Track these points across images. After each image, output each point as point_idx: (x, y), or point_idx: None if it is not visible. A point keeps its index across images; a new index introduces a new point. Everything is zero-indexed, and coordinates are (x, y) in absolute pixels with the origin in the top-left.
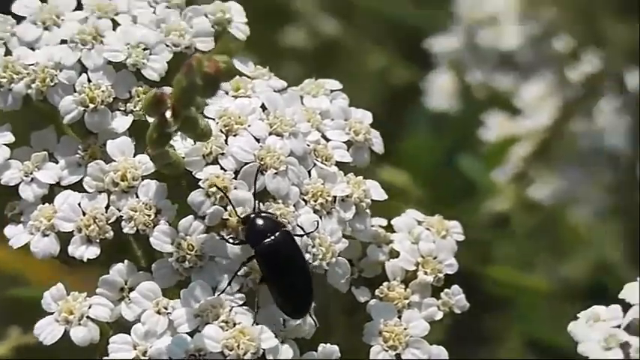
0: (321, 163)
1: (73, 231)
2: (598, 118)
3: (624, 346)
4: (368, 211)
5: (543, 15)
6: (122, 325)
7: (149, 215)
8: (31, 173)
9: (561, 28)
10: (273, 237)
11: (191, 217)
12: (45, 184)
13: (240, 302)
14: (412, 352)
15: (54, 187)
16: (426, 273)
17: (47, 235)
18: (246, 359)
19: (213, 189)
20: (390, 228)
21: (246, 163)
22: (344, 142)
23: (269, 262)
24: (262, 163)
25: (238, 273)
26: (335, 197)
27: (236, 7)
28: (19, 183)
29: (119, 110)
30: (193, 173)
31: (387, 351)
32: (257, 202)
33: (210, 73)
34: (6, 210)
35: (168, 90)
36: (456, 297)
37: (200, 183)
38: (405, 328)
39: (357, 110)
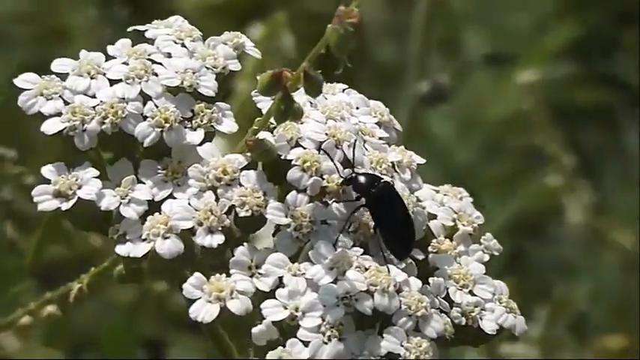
0: (370, 138)
1: (193, 227)
2: None
3: None
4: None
5: None
6: (261, 297)
7: (259, 197)
8: (127, 196)
9: None
10: (378, 185)
11: (294, 191)
12: (143, 200)
13: (361, 252)
14: (481, 287)
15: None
16: (464, 225)
17: (168, 238)
18: (390, 291)
19: (308, 163)
20: None
21: (322, 142)
22: (375, 124)
23: (381, 206)
24: (336, 139)
25: (349, 230)
26: (392, 163)
27: (243, 35)
28: (119, 206)
29: (187, 128)
30: (283, 156)
31: (461, 290)
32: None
33: (355, 22)
34: (110, 234)
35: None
36: (492, 241)
37: (294, 162)
38: (468, 270)
39: (371, 101)
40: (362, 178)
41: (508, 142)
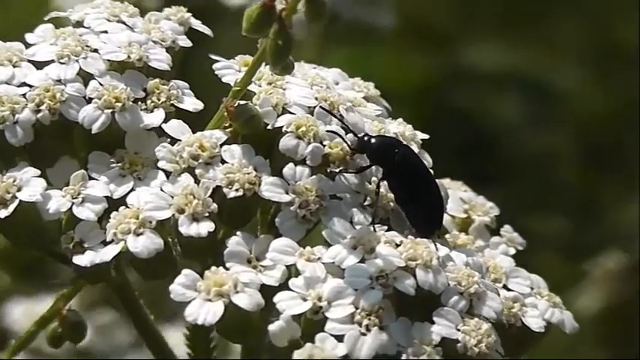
0: (363, 109)
1: (173, 215)
2: None
3: None
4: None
5: None
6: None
7: (249, 173)
8: (79, 194)
9: None
10: (399, 150)
11: (291, 164)
12: (101, 197)
13: (385, 228)
14: (515, 280)
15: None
16: (479, 215)
17: (141, 234)
18: (434, 265)
19: (303, 129)
20: None
21: (313, 107)
22: (362, 98)
23: (406, 175)
24: (329, 102)
25: (364, 204)
26: (395, 134)
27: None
28: (71, 207)
29: (141, 110)
30: (271, 124)
31: (493, 284)
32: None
33: None
34: (63, 245)
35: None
36: (514, 233)
37: (285, 128)
38: (496, 263)
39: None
40: (378, 142)
41: None
